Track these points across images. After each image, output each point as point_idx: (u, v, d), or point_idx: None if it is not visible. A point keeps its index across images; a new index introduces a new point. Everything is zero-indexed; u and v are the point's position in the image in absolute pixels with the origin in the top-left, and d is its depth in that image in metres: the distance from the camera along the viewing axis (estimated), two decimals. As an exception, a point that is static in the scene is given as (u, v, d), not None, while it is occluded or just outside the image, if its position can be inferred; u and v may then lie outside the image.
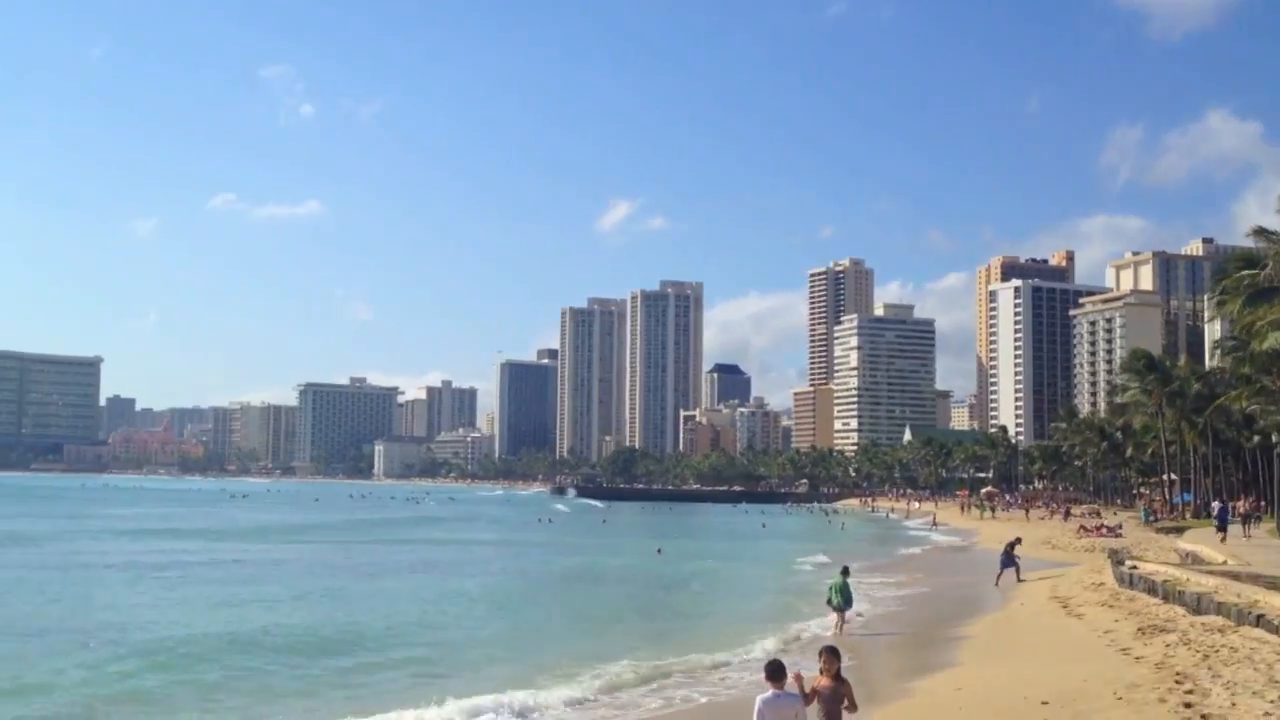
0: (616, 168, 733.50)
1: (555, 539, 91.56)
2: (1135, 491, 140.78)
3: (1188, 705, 16.24)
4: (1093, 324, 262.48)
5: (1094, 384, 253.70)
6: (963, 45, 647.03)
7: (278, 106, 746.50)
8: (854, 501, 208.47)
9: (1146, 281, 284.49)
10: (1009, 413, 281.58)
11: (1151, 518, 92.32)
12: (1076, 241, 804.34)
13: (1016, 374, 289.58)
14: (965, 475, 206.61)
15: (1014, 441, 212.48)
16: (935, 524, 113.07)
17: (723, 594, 48.21)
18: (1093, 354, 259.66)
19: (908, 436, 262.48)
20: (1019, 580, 43.43)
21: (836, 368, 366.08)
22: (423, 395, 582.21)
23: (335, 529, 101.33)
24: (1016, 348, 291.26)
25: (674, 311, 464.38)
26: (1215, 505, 62.12)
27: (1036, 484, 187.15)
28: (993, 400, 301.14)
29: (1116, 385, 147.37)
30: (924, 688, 21.89)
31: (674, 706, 22.23)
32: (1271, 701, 15.65)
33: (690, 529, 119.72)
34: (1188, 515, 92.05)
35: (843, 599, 31.59)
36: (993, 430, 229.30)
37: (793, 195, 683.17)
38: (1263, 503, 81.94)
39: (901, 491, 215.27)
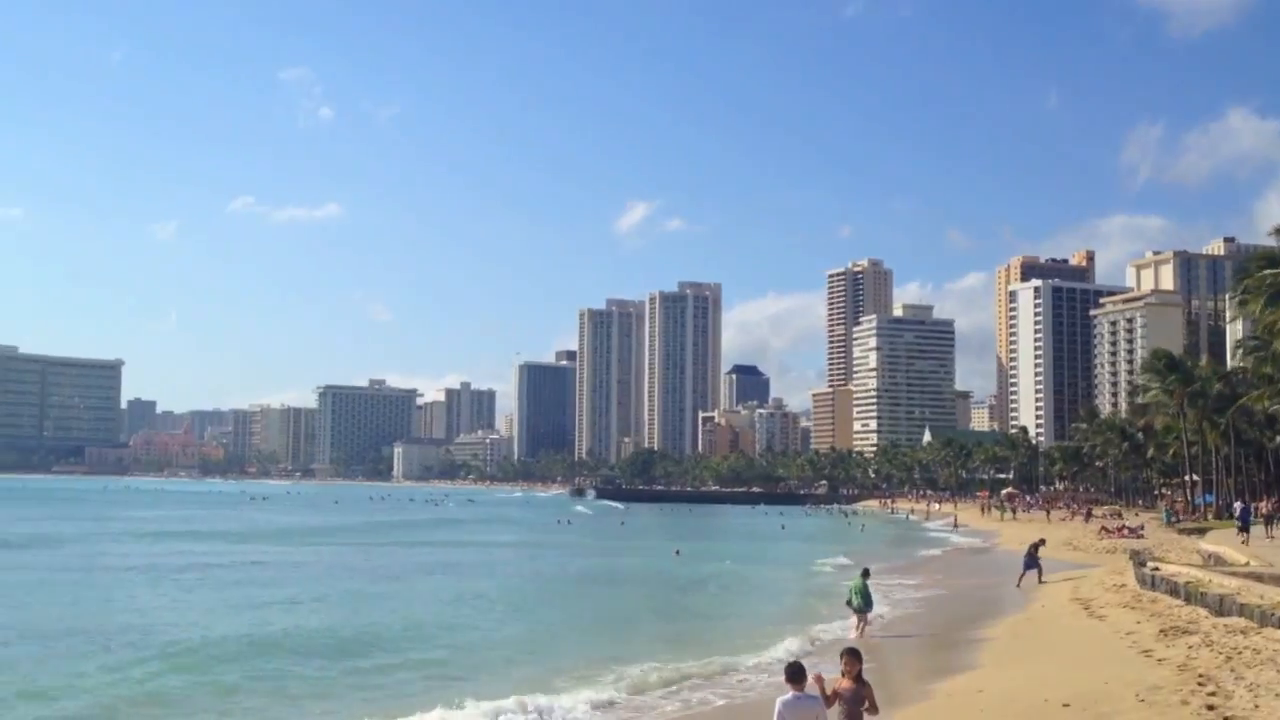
0: (634, 169, 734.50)
1: (574, 541, 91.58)
2: (1157, 492, 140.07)
3: (1210, 708, 16.13)
4: (1113, 324, 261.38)
5: (1115, 384, 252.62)
6: (981, 44, 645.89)
7: (296, 109, 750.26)
8: (873, 503, 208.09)
9: (1167, 281, 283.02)
10: (1029, 413, 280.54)
11: (1173, 519, 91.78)
12: (1097, 241, 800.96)
13: (1037, 374, 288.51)
14: (985, 476, 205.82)
15: (1034, 442, 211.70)
16: (956, 526, 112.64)
17: (742, 596, 48.12)
18: (1113, 354, 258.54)
19: (927, 437, 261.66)
20: (1040, 582, 43.23)
21: (855, 369, 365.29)
22: (441, 397, 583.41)
23: (355, 531, 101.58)
24: (1037, 348, 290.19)
25: (692, 313, 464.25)
26: (1237, 506, 61.72)
27: (1057, 485, 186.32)
28: (1013, 401, 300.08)
29: (1137, 385, 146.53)
30: (945, 690, 21.81)
31: (693, 709, 22.20)
32: (1296, 704, 15.53)
33: (709, 530, 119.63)
34: (1210, 516, 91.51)
35: (863, 601, 31.48)
36: (1013, 431, 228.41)
37: (811, 196, 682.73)
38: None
39: (921, 493, 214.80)
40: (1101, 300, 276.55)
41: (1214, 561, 39.87)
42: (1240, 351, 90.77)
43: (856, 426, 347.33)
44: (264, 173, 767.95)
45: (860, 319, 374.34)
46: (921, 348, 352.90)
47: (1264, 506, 72.22)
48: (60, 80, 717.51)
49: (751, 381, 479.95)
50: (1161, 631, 24.23)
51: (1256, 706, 15.77)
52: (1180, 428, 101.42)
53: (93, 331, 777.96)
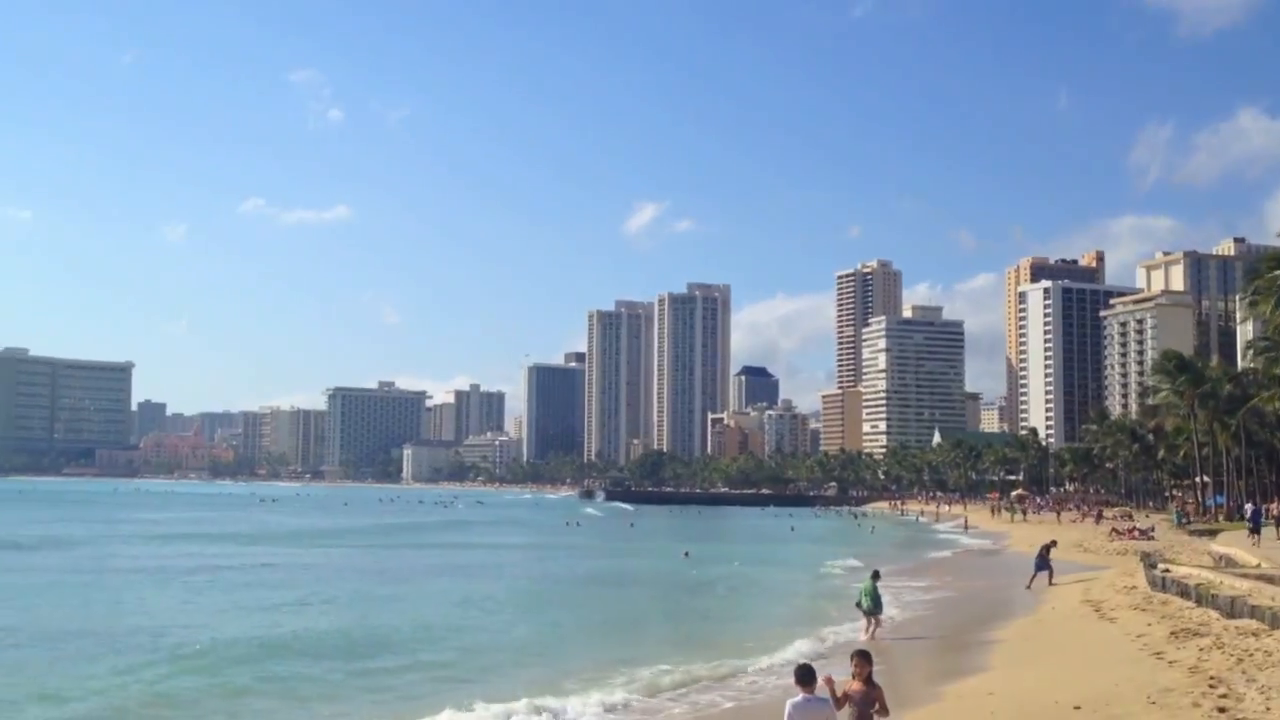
0: (643, 171, 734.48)
1: (583, 542, 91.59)
2: (1167, 494, 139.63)
3: (1222, 710, 16.08)
4: (1123, 325, 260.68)
5: (1125, 385, 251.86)
6: (990, 45, 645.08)
7: (306, 111, 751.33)
8: (883, 504, 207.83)
9: (1178, 282, 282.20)
10: (1039, 415, 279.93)
11: (1184, 520, 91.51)
12: (1107, 242, 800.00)
13: (1047, 376, 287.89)
14: (995, 478, 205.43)
15: (1045, 444, 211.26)
16: (966, 528, 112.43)
17: (751, 598, 48.09)
18: (1124, 355, 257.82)
19: (937, 439, 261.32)
20: (1051, 584, 43.12)
21: (865, 370, 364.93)
22: (451, 399, 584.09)
23: (364, 533, 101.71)
24: (1047, 349, 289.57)
25: (701, 314, 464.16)
26: (1248, 508, 61.52)
27: (1068, 486, 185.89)
28: (1023, 402, 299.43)
29: (1148, 387, 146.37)
30: (955, 692, 21.77)
31: (702, 711, 22.18)
32: (1308, 706, 15.47)
33: (718, 532, 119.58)
34: (1220, 518, 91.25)
35: (872, 603, 31.47)
36: (1023, 432, 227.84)
37: (820, 197, 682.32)
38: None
39: (931, 494, 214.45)
40: (1111, 301, 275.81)
41: (1225, 563, 39.73)
42: (1251, 352, 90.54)
43: (866, 428, 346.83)
44: (274, 175, 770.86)
45: (869, 320, 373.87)
46: (931, 349, 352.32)
47: (1275, 508, 71.88)
48: (70, 83, 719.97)
49: (760, 383, 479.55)
50: (1172, 634, 24.16)
51: (1268, 709, 15.71)
52: (1191, 429, 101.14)
53: (103, 333, 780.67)
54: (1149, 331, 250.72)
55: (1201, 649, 21.52)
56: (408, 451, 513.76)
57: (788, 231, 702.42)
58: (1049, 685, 20.40)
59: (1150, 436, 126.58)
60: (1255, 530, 52.08)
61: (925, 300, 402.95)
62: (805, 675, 12.30)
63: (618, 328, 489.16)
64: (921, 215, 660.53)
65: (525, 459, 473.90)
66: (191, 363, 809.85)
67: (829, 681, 12.38)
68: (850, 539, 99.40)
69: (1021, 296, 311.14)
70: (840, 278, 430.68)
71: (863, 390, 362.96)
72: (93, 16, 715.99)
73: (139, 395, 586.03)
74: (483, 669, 27.42)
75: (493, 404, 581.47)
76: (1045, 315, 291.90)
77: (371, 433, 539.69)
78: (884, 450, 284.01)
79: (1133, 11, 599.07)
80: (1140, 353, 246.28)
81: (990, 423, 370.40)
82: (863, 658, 13.32)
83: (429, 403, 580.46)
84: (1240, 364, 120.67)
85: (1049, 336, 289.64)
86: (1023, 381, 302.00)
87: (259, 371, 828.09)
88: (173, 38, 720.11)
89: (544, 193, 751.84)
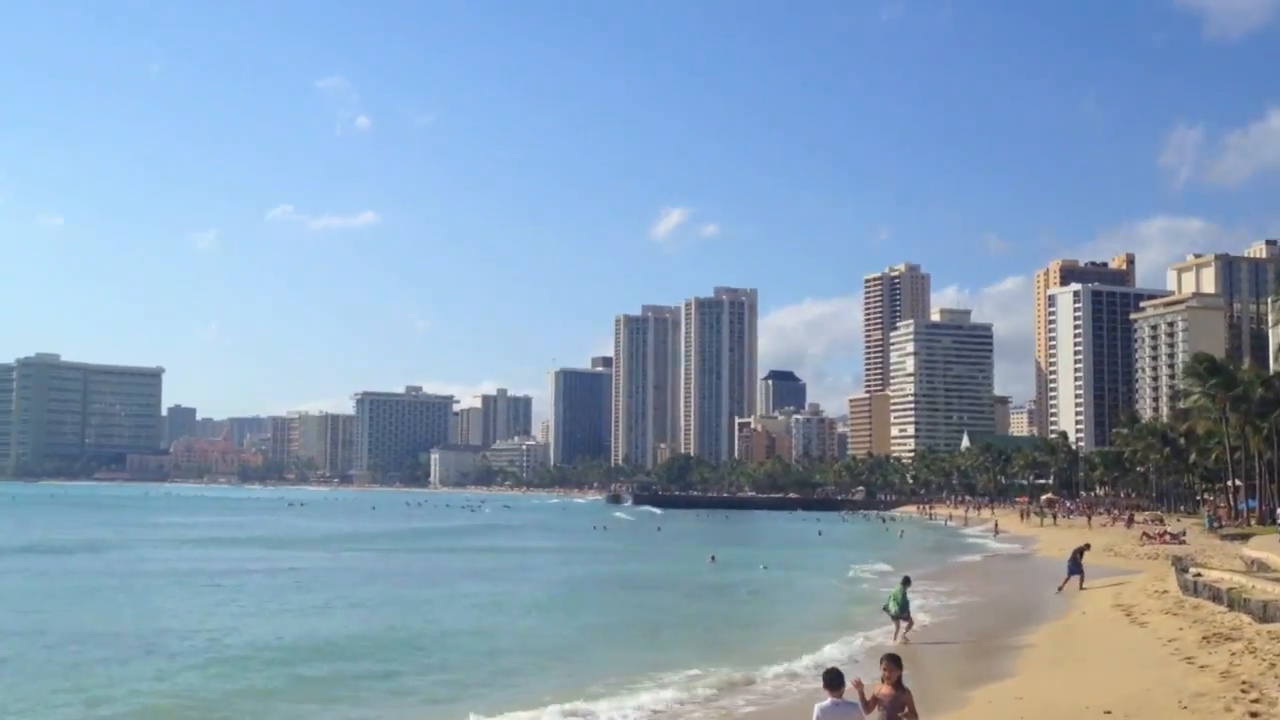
0: (670, 176, 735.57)
1: (611, 546, 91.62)
2: (1199, 498, 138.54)
3: (1254, 715, 15.95)
4: (1154, 328, 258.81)
5: (1156, 389, 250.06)
6: (1018, 48, 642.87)
7: (334, 118, 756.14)
8: (911, 509, 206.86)
9: (1209, 284, 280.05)
10: (1069, 418, 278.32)
11: (1216, 524, 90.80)
12: (1137, 244, 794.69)
13: (1076, 379, 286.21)
14: (1025, 482, 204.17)
15: (1074, 448, 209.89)
16: (997, 532, 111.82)
17: (778, 602, 47.99)
18: (1154, 358, 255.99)
19: (965, 443, 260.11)
20: (1081, 588, 42.83)
21: (893, 374, 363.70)
22: (478, 404, 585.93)
23: (392, 537, 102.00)
24: (1076, 352, 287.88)
25: (728, 318, 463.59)
26: (1281, 511, 60.99)
27: (1098, 490, 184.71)
28: (1052, 406, 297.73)
29: (1179, 390, 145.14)
30: (984, 697, 21.66)
31: (728, 715, 22.12)
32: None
33: (746, 536, 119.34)
34: (1253, 522, 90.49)
35: (899, 608, 31.41)
36: (1053, 436, 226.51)
37: (847, 200, 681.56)
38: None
39: (960, 499, 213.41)
40: (1142, 304, 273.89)
41: (1257, 567, 39.36)
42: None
43: (894, 432, 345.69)
44: (302, 181, 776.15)
45: (897, 324, 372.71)
46: (959, 352, 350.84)
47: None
48: (100, 92, 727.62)
49: (788, 387, 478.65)
50: (1204, 638, 23.97)
51: (1302, 714, 15.57)
52: (1223, 432, 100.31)
53: (133, 339, 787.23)
54: (1180, 334, 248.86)
55: (1233, 654, 21.34)
56: (435, 456, 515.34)
57: (815, 235, 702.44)
58: (1079, 690, 20.27)
59: (1182, 440, 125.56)
60: (1288, 534, 51.61)
61: (953, 304, 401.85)
62: (833, 679, 12.27)
63: (645, 332, 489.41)
64: (950, 218, 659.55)
65: (552, 463, 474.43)
66: (221, 368, 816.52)
67: (858, 685, 12.35)
68: (879, 543, 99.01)
69: (1051, 300, 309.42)
70: (868, 281, 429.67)
71: (890, 394, 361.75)
72: (121, 28, 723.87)
73: (169, 400, 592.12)
74: (509, 672, 27.46)
75: (520, 408, 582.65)
76: (1075, 318, 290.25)
77: (399, 437, 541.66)
78: (912, 454, 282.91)
79: (1160, 13, 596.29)
80: (1171, 356, 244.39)
81: (1019, 426, 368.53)
82: (892, 661, 13.27)
83: (456, 407, 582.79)
84: (1273, 367, 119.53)
85: (1079, 340, 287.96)
86: (1052, 385, 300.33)
87: (287, 376, 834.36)
88: (200, 47, 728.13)
89: (571, 198, 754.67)
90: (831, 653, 28.73)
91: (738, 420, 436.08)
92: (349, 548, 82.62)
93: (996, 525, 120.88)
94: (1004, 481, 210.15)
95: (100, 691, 23.90)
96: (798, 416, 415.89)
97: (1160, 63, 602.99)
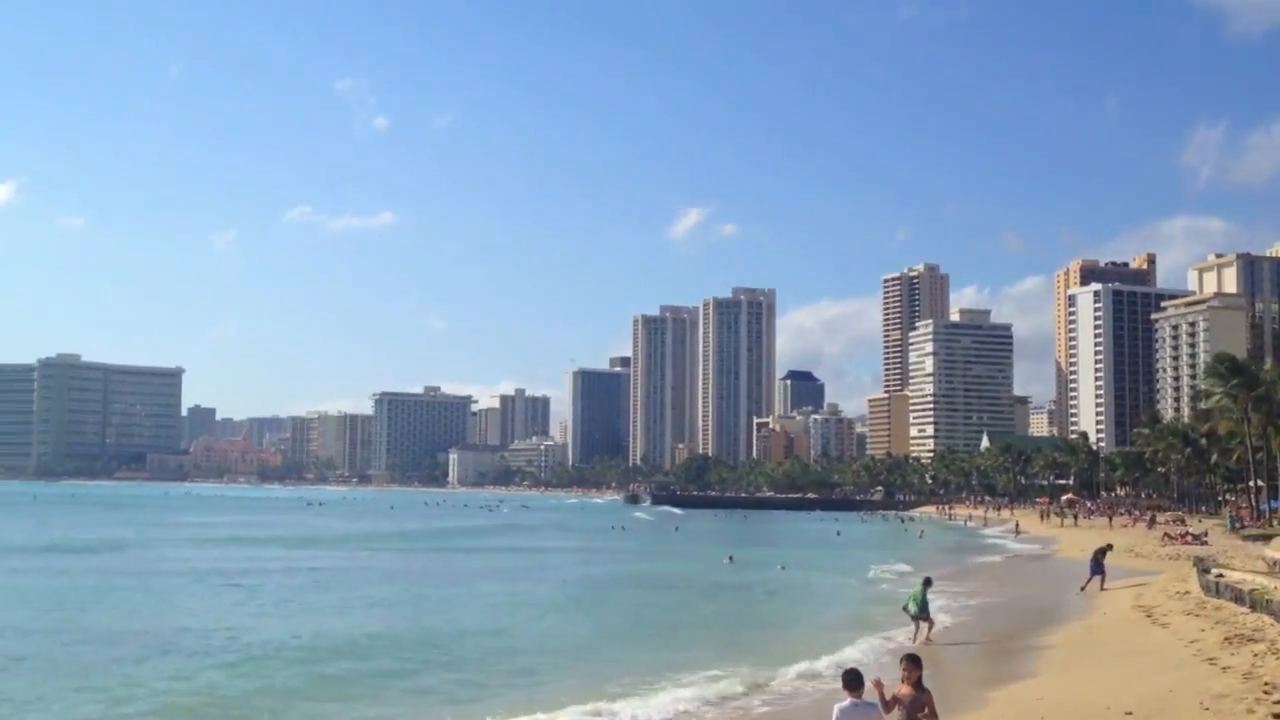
0: (687, 176, 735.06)
1: (629, 546, 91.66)
2: (1221, 498, 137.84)
3: (1277, 716, 15.86)
4: (1175, 328, 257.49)
5: (1177, 389, 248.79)
6: (1037, 46, 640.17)
7: (352, 119, 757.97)
8: (930, 509, 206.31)
9: (1230, 284, 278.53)
10: (1089, 419, 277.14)
11: (1238, 525, 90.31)
12: (1157, 244, 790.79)
13: (1097, 379, 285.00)
14: (1045, 482, 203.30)
15: (1095, 448, 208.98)
16: (1018, 532, 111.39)
17: (796, 602, 47.87)
18: (1175, 358, 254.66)
19: (985, 443, 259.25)
20: (1102, 589, 42.65)
21: (912, 374, 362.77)
22: (496, 404, 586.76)
23: (411, 536, 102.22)
24: (1097, 353, 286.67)
25: (746, 318, 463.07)
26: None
27: (1118, 491, 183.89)
28: (1073, 406, 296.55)
29: (1200, 390, 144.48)
30: (1004, 697, 21.57)
31: (748, 715, 22.08)
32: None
33: (764, 536, 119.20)
34: (1275, 522, 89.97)
35: (918, 608, 31.33)
36: (1073, 436, 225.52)
37: (865, 200, 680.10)
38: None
39: (979, 499, 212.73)
40: (1163, 304, 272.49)
41: (1279, 568, 39.15)
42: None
43: (913, 432, 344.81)
44: (320, 182, 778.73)
45: (916, 324, 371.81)
46: (979, 352, 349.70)
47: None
48: (120, 95, 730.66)
49: (806, 387, 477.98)
50: (1226, 639, 23.82)
51: (1326, 716, 15.45)
52: (1244, 432, 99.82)
53: (153, 339, 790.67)
54: (1201, 334, 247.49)
55: (1256, 655, 21.20)
56: (453, 456, 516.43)
57: (833, 235, 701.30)
58: (1100, 691, 20.16)
59: (1203, 440, 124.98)
60: (1311, 535, 51.29)
61: (973, 303, 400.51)
62: (852, 679, 12.22)
63: (663, 332, 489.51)
64: (969, 218, 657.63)
65: (570, 463, 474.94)
66: (240, 368, 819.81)
67: (878, 685, 12.30)
68: (898, 544, 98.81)
69: (1071, 299, 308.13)
70: (887, 281, 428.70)
71: (910, 394, 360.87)
72: (140, 30, 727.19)
73: (189, 400, 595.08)
74: (527, 672, 27.47)
75: (538, 408, 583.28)
76: (1095, 318, 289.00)
77: (417, 437, 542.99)
78: (931, 455, 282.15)
79: (1182, 11, 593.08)
80: (1192, 356, 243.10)
81: (1039, 427, 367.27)
82: (912, 662, 13.22)
83: (474, 407, 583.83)
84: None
85: (1099, 340, 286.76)
86: (1072, 385, 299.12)
87: (306, 376, 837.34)
88: (218, 49, 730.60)
89: (588, 198, 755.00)
90: (849, 653, 28.66)
91: (756, 420, 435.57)
92: (367, 547, 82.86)
93: (1017, 526, 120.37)
94: (1024, 482, 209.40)
95: (121, 690, 24.00)
96: (816, 416, 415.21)
97: (1182, 61, 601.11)
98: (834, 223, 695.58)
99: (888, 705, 12.41)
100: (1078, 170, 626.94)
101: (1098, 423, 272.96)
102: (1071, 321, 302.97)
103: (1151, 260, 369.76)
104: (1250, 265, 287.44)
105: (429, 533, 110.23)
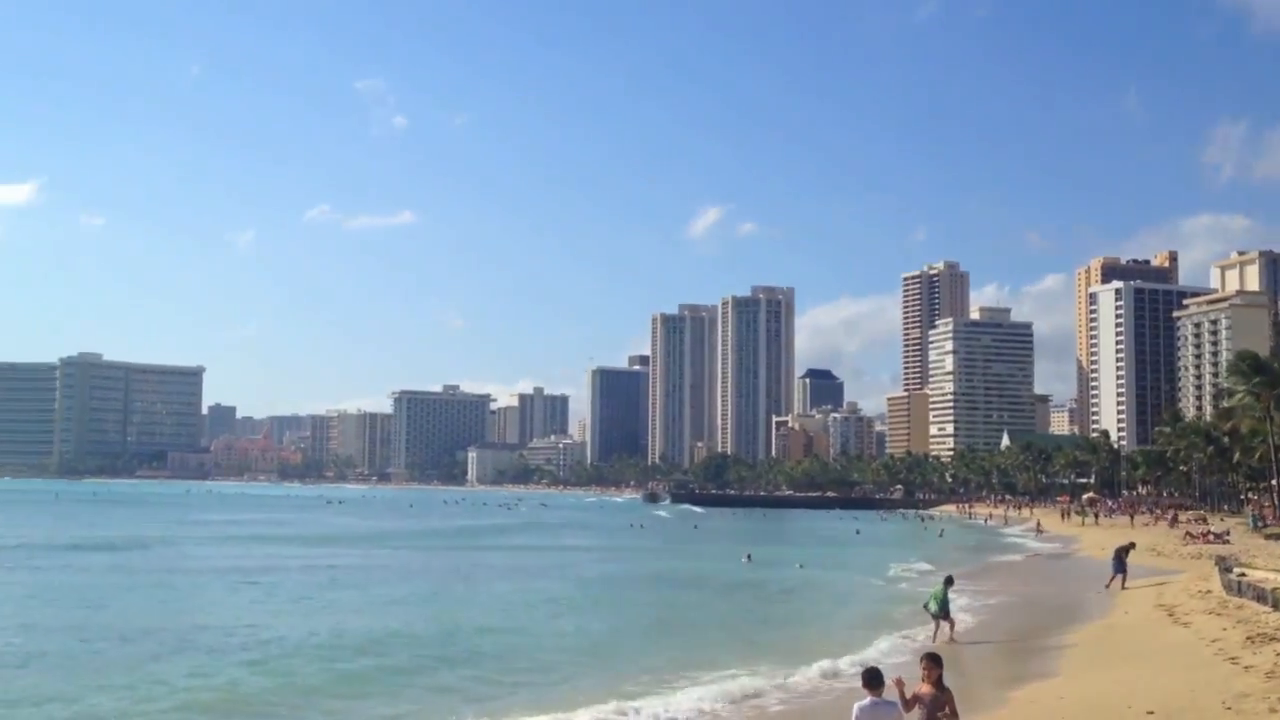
0: (706, 174, 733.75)
1: (648, 545, 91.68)
2: (1243, 497, 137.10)
3: (1302, 717, 15.73)
4: (1197, 326, 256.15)
5: (1199, 387, 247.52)
6: (1058, 43, 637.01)
7: (371, 119, 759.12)
8: (950, 508, 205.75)
9: (1253, 282, 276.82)
10: (1110, 417, 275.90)
11: (1260, 524, 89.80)
12: (1179, 241, 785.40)
13: (1118, 378, 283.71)
14: (1066, 481, 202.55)
15: (1116, 446, 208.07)
16: (1039, 531, 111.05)
17: (817, 601, 47.79)
18: (1198, 356, 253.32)
19: (1005, 442, 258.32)
20: (1124, 588, 42.47)
21: (931, 372, 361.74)
22: (515, 402, 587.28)
23: (430, 534, 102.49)
24: (1118, 351, 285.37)
25: (765, 317, 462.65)
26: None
27: (1140, 490, 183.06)
28: (1094, 404, 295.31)
29: (1223, 388, 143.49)
30: (1025, 697, 21.49)
31: (766, 714, 22.05)
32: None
33: (783, 535, 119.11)
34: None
35: (939, 607, 31.24)
36: (1094, 435, 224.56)
37: (885, 197, 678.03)
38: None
39: (1000, 498, 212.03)
40: (1185, 302, 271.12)
41: (1304, 568, 38.89)
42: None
43: (933, 430, 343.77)
44: (339, 181, 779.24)
45: (936, 322, 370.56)
46: (999, 351, 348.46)
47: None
48: (140, 95, 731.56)
49: (825, 385, 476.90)
50: (1248, 638, 23.69)
51: (1351, 716, 15.34)
52: (1267, 431, 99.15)
53: (174, 338, 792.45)
54: (1223, 332, 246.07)
55: (1278, 654, 21.07)
56: (472, 454, 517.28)
57: (852, 233, 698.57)
58: (1121, 690, 20.07)
59: (1225, 439, 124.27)
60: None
61: (993, 302, 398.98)
62: (873, 678, 12.18)
63: (681, 330, 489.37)
64: (989, 216, 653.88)
65: (589, 461, 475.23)
66: (260, 367, 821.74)
67: (899, 683, 12.26)
68: (918, 542, 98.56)
69: (1092, 298, 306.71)
70: (906, 279, 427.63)
71: (929, 392, 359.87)
72: (160, 32, 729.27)
73: (209, 399, 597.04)
74: (546, 670, 27.50)
75: (557, 407, 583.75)
76: (1117, 316, 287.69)
77: (437, 435, 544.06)
78: (951, 453, 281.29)
79: (1204, 8, 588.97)
80: (1215, 354, 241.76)
81: (1060, 425, 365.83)
82: (932, 661, 13.17)
83: (493, 406, 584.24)
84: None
85: (1121, 338, 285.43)
86: (1094, 384, 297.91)
87: (326, 375, 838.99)
88: (238, 49, 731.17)
89: (607, 197, 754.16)
90: (869, 652, 28.60)
91: (775, 419, 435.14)
92: (387, 545, 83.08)
93: (1038, 524, 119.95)
94: (1045, 480, 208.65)
95: (142, 687, 24.11)
96: (835, 415, 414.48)
97: (1204, 57, 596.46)
98: (853, 221, 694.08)
99: (908, 704, 12.37)
100: (1099, 167, 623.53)
101: (1119, 421, 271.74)
102: (1093, 319, 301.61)
103: (1173, 258, 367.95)
104: (1273, 263, 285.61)
105: (448, 531, 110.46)
